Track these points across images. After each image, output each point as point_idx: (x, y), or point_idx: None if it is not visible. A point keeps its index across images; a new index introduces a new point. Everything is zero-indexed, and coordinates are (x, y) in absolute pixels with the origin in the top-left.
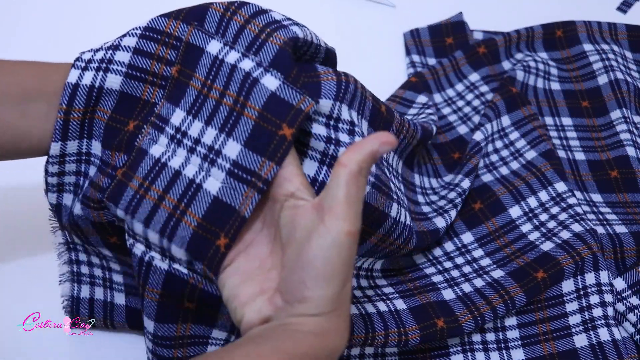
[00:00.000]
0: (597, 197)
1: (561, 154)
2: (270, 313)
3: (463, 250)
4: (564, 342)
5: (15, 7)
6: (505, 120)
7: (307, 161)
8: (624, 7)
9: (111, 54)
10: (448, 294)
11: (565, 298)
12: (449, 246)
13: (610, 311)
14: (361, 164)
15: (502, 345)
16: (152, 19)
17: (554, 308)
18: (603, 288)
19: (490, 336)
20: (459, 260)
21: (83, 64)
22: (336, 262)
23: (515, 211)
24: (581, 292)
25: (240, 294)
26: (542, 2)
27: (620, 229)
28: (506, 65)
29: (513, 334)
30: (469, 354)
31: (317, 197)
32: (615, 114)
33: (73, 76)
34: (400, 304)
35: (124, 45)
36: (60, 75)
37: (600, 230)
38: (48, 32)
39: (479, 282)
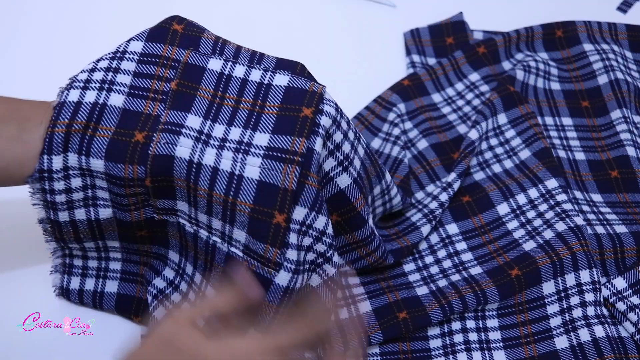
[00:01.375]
0: (597, 197)
1: (561, 154)
2: None
3: (447, 241)
4: (544, 345)
5: (15, 8)
6: (502, 118)
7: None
8: (624, 7)
9: (112, 76)
10: (422, 290)
11: (546, 300)
12: (434, 238)
13: (591, 310)
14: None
15: (485, 345)
16: (146, 44)
17: (535, 310)
18: (584, 288)
19: (473, 336)
20: (441, 253)
21: (82, 84)
22: None
23: (503, 208)
24: (562, 294)
25: None
26: (542, 2)
27: (621, 228)
28: (506, 65)
29: (495, 335)
30: (450, 356)
31: None
32: (616, 114)
33: (74, 95)
34: (364, 307)
35: (124, 69)
36: (28, 106)
37: (600, 230)
38: (48, 37)
39: (455, 277)
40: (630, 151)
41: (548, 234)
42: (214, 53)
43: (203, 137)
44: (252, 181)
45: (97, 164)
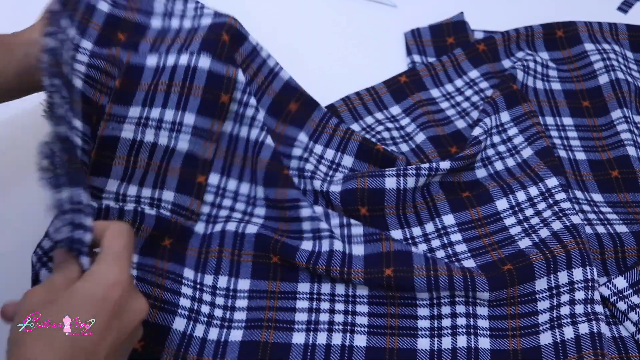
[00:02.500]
0: (597, 197)
1: (562, 153)
2: None
3: (442, 232)
4: (530, 340)
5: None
6: (505, 116)
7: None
8: (624, 7)
9: (73, 60)
10: (416, 253)
11: (537, 296)
12: (429, 227)
13: (580, 309)
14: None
15: (472, 331)
16: (94, 47)
17: (525, 305)
18: (576, 286)
19: (461, 321)
20: (435, 243)
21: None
22: None
23: (502, 204)
24: (554, 291)
25: None
26: (542, 2)
27: (621, 228)
28: (506, 63)
29: (483, 323)
30: (435, 339)
31: None
32: (616, 114)
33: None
34: (358, 250)
35: (79, 60)
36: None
37: (601, 229)
38: None
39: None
40: (631, 151)
41: (544, 233)
42: (152, 48)
43: (143, 121)
44: (182, 151)
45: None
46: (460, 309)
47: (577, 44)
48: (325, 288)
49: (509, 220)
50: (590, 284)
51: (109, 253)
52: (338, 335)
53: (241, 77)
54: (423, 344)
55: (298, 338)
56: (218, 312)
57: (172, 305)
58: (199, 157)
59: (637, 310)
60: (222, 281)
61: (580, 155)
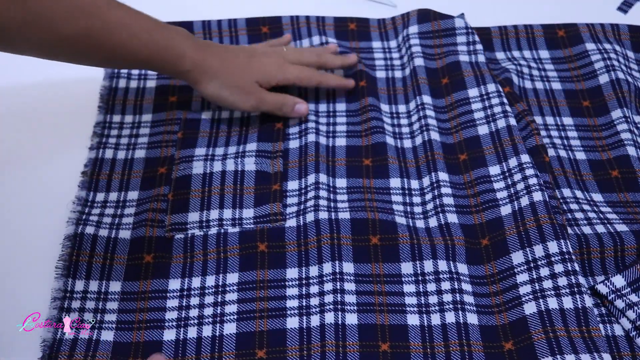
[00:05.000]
0: (598, 197)
1: (562, 153)
2: None
3: (435, 185)
4: (515, 312)
5: None
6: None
7: None
8: (624, 7)
9: (134, 139)
10: (400, 220)
11: (516, 270)
12: (426, 181)
13: (563, 281)
14: None
15: (459, 306)
16: (153, 115)
17: (506, 281)
18: (553, 259)
19: (447, 297)
20: (428, 196)
21: (113, 145)
22: None
23: (495, 169)
24: (531, 265)
25: None
26: (542, 2)
27: (622, 227)
28: (500, 55)
29: (469, 299)
30: (424, 315)
31: None
32: (616, 114)
33: (109, 153)
34: (344, 215)
35: (142, 133)
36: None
37: (601, 229)
38: None
39: (433, 222)
40: (631, 151)
41: (524, 201)
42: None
43: (209, 157)
44: (251, 171)
45: (134, 195)
46: (445, 285)
47: (579, 44)
48: (313, 271)
49: (498, 184)
50: (567, 257)
51: None
52: (330, 315)
53: None
54: (413, 319)
55: (292, 323)
56: (208, 311)
57: (157, 321)
58: (270, 173)
59: (635, 308)
60: (210, 280)
61: (580, 155)
